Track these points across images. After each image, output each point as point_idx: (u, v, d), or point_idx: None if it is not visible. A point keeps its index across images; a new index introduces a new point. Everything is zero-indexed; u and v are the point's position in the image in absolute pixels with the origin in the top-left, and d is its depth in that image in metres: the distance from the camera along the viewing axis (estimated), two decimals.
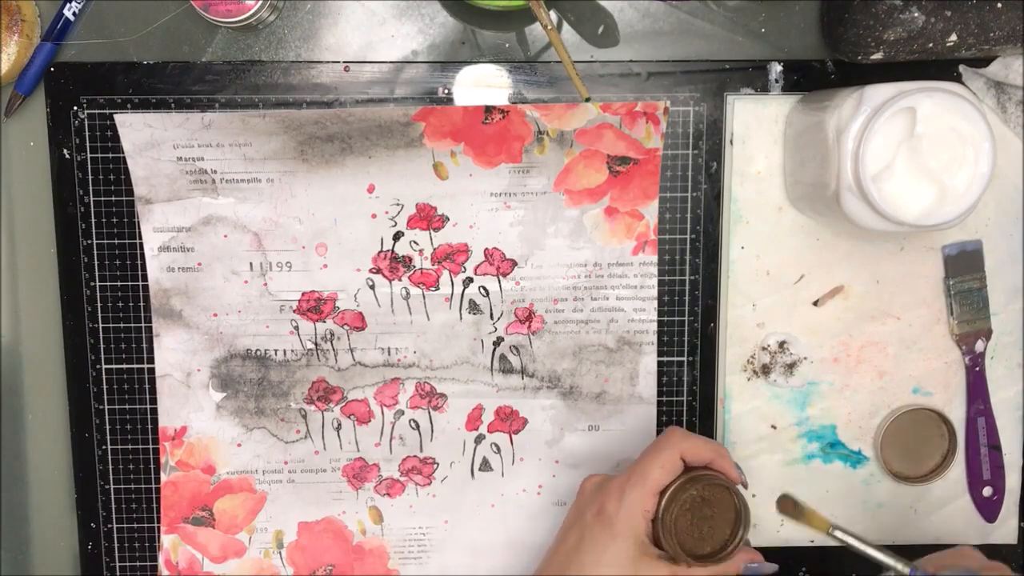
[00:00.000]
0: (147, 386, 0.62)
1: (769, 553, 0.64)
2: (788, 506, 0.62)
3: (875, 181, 0.51)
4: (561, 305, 0.61)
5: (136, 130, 0.59)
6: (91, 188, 0.60)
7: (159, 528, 0.63)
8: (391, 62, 0.60)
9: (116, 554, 0.63)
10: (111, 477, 0.62)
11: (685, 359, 0.62)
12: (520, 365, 0.62)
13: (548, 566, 0.53)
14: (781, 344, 0.62)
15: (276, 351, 0.62)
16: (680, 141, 0.61)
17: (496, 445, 0.63)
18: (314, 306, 0.61)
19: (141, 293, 0.61)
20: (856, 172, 0.52)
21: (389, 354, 0.62)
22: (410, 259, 0.61)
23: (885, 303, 0.62)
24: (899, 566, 0.54)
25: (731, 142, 0.60)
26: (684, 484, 0.51)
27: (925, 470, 0.64)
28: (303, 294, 0.61)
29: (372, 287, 0.61)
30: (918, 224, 0.52)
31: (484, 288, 0.61)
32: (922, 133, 0.51)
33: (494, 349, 0.62)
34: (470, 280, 0.61)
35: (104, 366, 0.62)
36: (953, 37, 0.54)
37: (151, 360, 0.62)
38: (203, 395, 0.62)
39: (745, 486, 0.53)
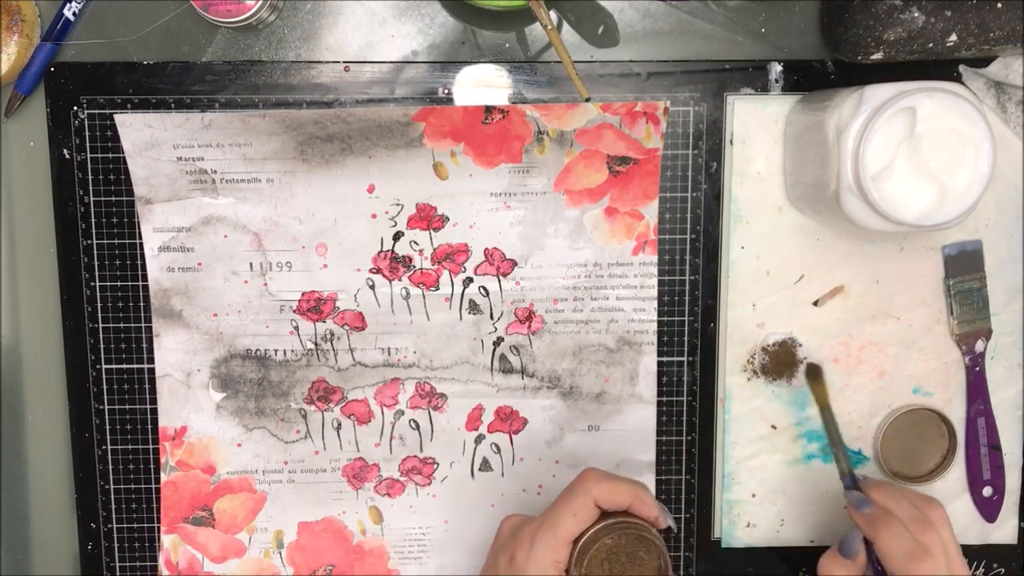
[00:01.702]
0: (147, 386, 0.62)
1: (769, 553, 0.64)
2: (814, 374, 0.60)
3: (875, 181, 0.51)
4: (561, 305, 0.61)
5: (136, 130, 0.59)
6: (91, 188, 0.60)
7: (159, 528, 0.63)
8: (391, 62, 0.60)
9: (116, 554, 0.63)
10: (111, 477, 0.62)
11: (685, 359, 0.62)
12: (520, 365, 0.62)
13: None
14: (782, 344, 0.62)
15: (276, 351, 0.62)
16: (680, 141, 0.61)
17: (496, 445, 0.63)
18: (314, 306, 0.61)
19: (141, 293, 0.61)
20: (856, 172, 0.52)
21: (389, 354, 0.62)
22: (410, 259, 0.61)
23: (885, 303, 0.62)
24: (846, 471, 0.55)
25: (731, 142, 0.60)
26: (597, 533, 0.47)
27: (925, 470, 0.64)
28: (303, 294, 0.61)
29: (372, 287, 0.61)
30: (918, 224, 0.52)
31: (484, 288, 0.61)
32: (922, 133, 0.51)
33: (494, 349, 0.62)
34: (470, 280, 0.61)
35: (104, 366, 0.62)
36: (953, 37, 0.54)
37: (151, 360, 0.62)
38: (203, 395, 0.62)
39: (671, 531, 0.50)
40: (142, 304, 0.61)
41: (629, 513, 0.49)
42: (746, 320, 0.62)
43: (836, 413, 0.63)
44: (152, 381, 0.62)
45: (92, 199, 0.60)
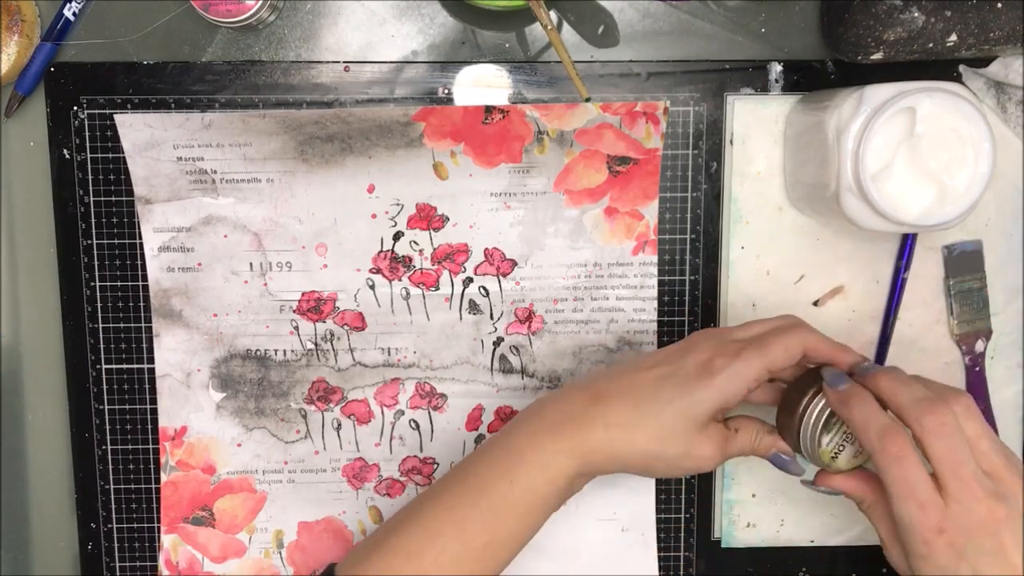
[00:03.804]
0: (147, 386, 0.62)
1: (769, 553, 0.64)
2: None
3: (875, 181, 0.51)
4: (561, 305, 0.61)
5: (136, 130, 0.59)
6: (91, 188, 0.60)
7: (159, 528, 0.63)
8: (391, 62, 0.60)
9: (116, 554, 0.63)
10: (111, 477, 0.62)
11: None
12: (520, 365, 0.62)
13: (623, 375, 0.51)
14: None
15: (276, 351, 0.62)
16: (680, 141, 0.61)
17: None
18: (314, 306, 0.61)
19: (141, 293, 0.61)
20: (856, 172, 0.52)
21: (389, 354, 0.62)
22: (410, 259, 0.61)
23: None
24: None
25: (731, 142, 0.60)
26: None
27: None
28: (303, 294, 0.61)
29: (372, 287, 0.61)
30: (918, 224, 0.52)
31: (484, 288, 0.61)
32: (922, 133, 0.51)
33: (494, 349, 0.62)
34: (470, 280, 0.61)
35: (104, 366, 0.62)
36: (953, 37, 0.54)
37: (151, 360, 0.62)
38: (203, 395, 0.62)
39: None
40: (142, 304, 0.61)
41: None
42: (746, 320, 0.62)
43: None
44: (152, 381, 0.62)
45: (92, 199, 0.60)
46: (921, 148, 0.51)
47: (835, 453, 0.50)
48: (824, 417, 0.50)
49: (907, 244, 0.60)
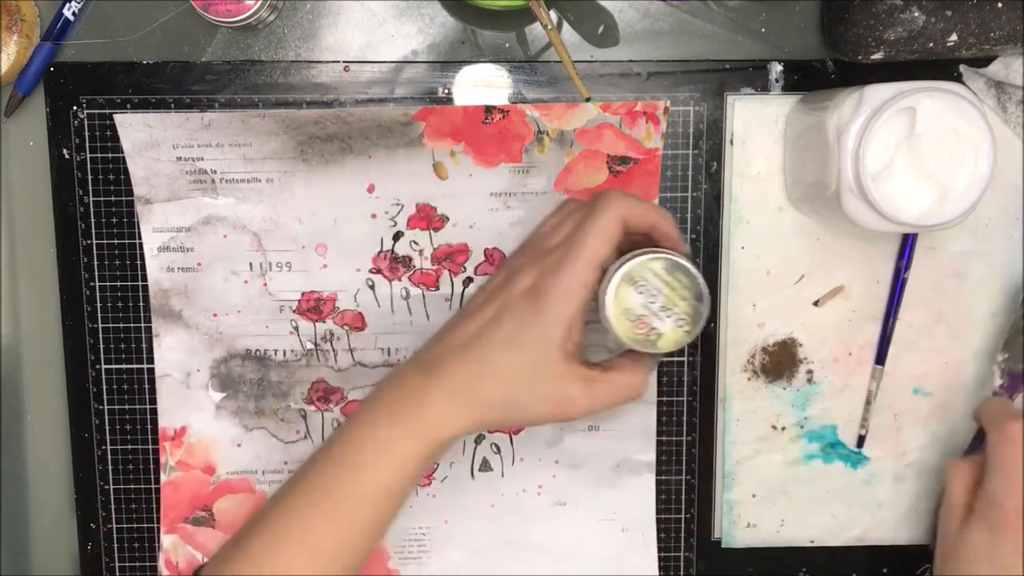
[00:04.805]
0: (147, 386, 0.62)
1: (769, 553, 0.64)
2: None
3: (875, 181, 0.51)
4: None
5: (136, 130, 0.59)
6: (91, 188, 0.60)
7: (159, 528, 0.63)
8: (391, 62, 0.60)
9: (116, 554, 0.63)
10: (111, 477, 0.62)
11: (685, 359, 0.62)
12: None
13: (454, 334, 0.47)
14: (782, 344, 0.62)
15: (276, 351, 0.62)
16: (680, 141, 0.61)
17: (496, 445, 0.63)
18: (314, 306, 0.61)
19: (141, 293, 0.61)
20: (856, 172, 0.52)
21: (389, 354, 0.62)
22: (410, 259, 0.61)
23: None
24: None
25: (731, 142, 0.60)
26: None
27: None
28: (303, 294, 0.61)
29: (372, 287, 0.61)
30: (918, 224, 0.52)
31: None
32: (922, 133, 0.51)
33: None
34: (470, 280, 0.61)
35: (104, 366, 0.62)
36: (953, 37, 0.54)
37: (151, 360, 0.62)
38: (203, 395, 0.62)
39: (688, 255, 0.48)
40: (142, 304, 0.61)
41: (651, 239, 0.46)
42: (746, 320, 0.62)
43: (836, 414, 0.63)
44: (152, 381, 0.62)
45: (92, 199, 0.60)
46: (921, 148, 0.51)
47: (649, 335, 0.45)
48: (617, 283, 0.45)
49: (907, 244, 0.60)
